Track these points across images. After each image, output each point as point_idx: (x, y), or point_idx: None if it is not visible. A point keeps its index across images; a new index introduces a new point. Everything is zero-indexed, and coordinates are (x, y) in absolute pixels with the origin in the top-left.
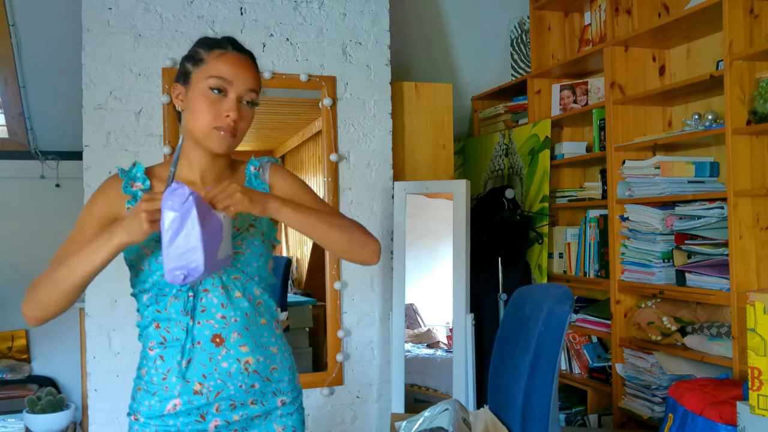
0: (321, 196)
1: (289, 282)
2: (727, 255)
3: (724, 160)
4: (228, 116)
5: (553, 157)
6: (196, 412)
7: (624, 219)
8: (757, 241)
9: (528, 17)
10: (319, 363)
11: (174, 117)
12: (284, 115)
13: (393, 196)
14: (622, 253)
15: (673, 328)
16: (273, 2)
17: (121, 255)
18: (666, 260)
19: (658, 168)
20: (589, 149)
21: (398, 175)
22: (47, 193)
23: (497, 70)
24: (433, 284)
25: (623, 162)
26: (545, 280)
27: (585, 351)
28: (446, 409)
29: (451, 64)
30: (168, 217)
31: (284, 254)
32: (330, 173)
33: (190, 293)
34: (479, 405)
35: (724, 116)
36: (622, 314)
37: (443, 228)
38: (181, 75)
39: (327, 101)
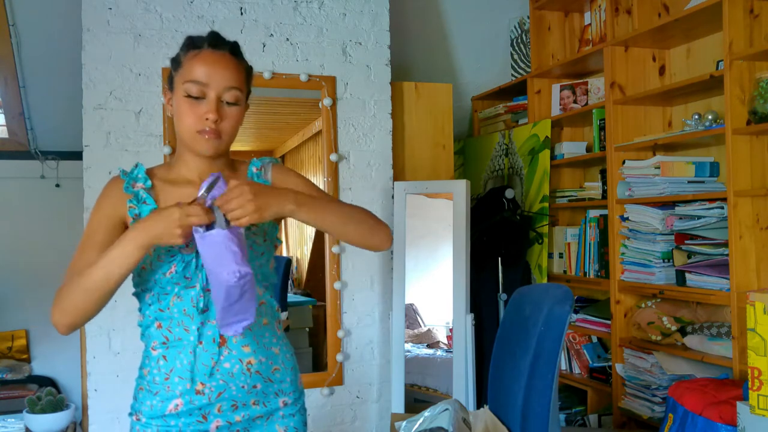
0: None
1: (289, 282)
2: (727, 255)
3: (724, 160)
4: (207, 119)
5: (553, 157)
6: (198, 413)
7: (624, 219)
8: (757, 241)
9: (528, 17)
10: (319, 363)
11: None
12: (284, 115)
13: (393, 196)
14: (622, 253)
15: (673, 328)
16: (273, 2)
17: None
18: (666, 260)
19: (658, 168)
20: (589, 149)
21: (398, 175)
22: (47, 193)
23: (497, 70)
24: (433, 284)
25: (623, 162)
26: (545, 280)
27: (585, 351)
28: (446, 409)
29: (451, 64)
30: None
31: (284, 254)
32: (330, 173)
33: (201, 293)
34: (479, 405)
35: (724, 116)
36: (622, 314)
37: (443, 228)
38: (169, 79)
39: (327, 101)
